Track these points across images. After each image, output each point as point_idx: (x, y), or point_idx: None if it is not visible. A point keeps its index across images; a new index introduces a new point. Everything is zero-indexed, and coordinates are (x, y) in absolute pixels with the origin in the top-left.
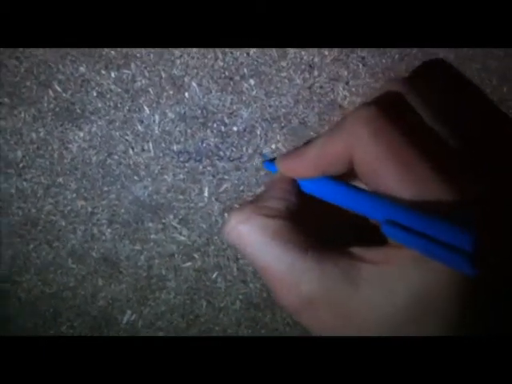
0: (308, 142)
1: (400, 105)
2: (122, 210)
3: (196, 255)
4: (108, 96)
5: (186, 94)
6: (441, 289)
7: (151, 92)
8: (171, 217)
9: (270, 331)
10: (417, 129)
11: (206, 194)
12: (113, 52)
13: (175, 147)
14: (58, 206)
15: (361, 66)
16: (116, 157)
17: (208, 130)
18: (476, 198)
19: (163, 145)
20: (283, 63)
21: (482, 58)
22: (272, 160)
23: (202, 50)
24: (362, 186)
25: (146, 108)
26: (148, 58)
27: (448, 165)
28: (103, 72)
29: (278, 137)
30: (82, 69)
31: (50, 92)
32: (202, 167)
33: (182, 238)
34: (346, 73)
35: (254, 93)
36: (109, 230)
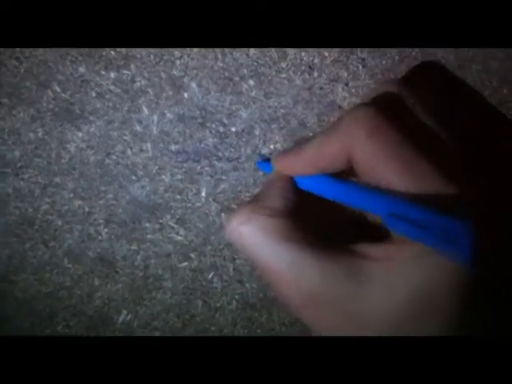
0: (305, 141)
1: (396, 105)
2: (119, 210)
3: (193, 255)
4: (107, 96)
5: (186, 95)
6: (442, 285)
7: (150, 92)
8: (168, 217)
9: (266, 331)
10: (413, 128)
11: (203, 194)
12: (112, 52)
13: (173, 147)
14: (54, 206)
15: (361, 67)
16: (114, 157)
17: (207, 131)
18: (474, 198)
19: (161, 145)
20: (283, 64)
21: (483, 58)
22: (266, 160)
23: (202, 51)
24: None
25: (144, 108)
26: (148, 59)
27: (446, 162)
28: (103, 72)
29: (277, 138)
30: (82, 69)
31: (50, 92)
32: (200, 167)
33: (179, 238)
34: (345, 74)
35: (253, 93)
36: (105, 230)
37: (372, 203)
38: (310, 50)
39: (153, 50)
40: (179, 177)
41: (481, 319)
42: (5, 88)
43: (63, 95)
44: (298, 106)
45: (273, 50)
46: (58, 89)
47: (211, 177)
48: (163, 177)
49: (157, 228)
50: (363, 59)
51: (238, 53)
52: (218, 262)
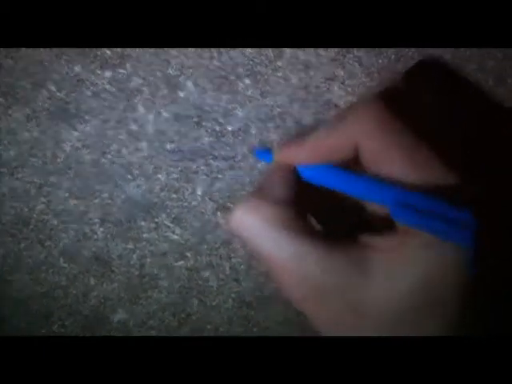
0: (308, 131)
1: (401, 98)
2: (115, 209)
3: (188, 254)
4: (103, 96)
5: (181, 94)
6: (443, 278)
7: (146, 92)
8: (164, 216)
9: (262, 330)
10: (416, 119)
11: (199, 193)
12: (108, 52)
13: (169, 146)
14: (50, 205)
15: (357, 65)
16: (109, 156)
17: (202, 130)
18: (473, 196)
19: (157, 144)
20: (279, 63)
21: (479, 58)
22: (264, 149)
23: (198, 50)
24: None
25: (140, 107)
26: (143, 58)
27: (448, 152)
28: (98, 72)
29: (273, 136)
30: (77, 68)
31: (45, 91)
32: (196, 166)
33: (175, 237)
34: (342, 73)
35: (249, 92)
36: (101, 229)
37: (377, 193)
38: (306, 48)
39: (148, 49)
40: (175, 176)
41: (481, 314)
42: (0, 87)
43: (58, 94)
44: (294, 104)
45: (269, 48)
46: (53, 88)
47: (207, 176)
48: (159, 176)
49: (152, 227)
50: (359, 58)
51: (234, 52)
52: (214, 261)
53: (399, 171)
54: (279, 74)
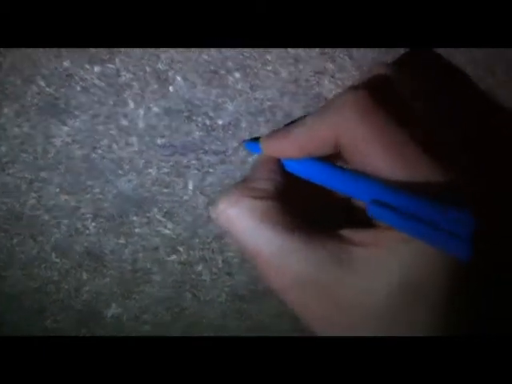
0: (293, 123)
1: (387, 88)
2: (106, 204)
3: (181, 248)
4: (92, 91)
5: (171, 88)
6: (431, 271)
7: (136, 86)
8: (156, 210)
9: (256, 323)
10: (404, 112)
11: (190, 187)
12: None
13: (159, 141)
14: (41, 201)
15: (347, 59)
16: (100, 151)
17: (193, 124)
18: (465, 183)
19: (147, 139)
20: (268, 56)
21: (468, 49)
22: (254, 140)
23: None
24: (347, 167)
25: (130, 102)
26: (132, 53)
27: (436, 147)
28: (87, 66)
29: (263, 130)
30: (66, 63)
31: (34, 87)
32: (187, 161)
33: (167, 232)
34: (331, 66)
35: (239, 86)
36: (93, 224)
37: (357, 189)
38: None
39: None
40: (166, 170)
41: (471, 306)
42: None
43: (48, 90)
44: (284, 98)
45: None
46: (42, 83)
47: (198, 170)
48: (150, 170)
49: (144, 222)
50: (349, 51)
51: None
52: (207, 255)
53: (381, 167)
54: (269, 68)
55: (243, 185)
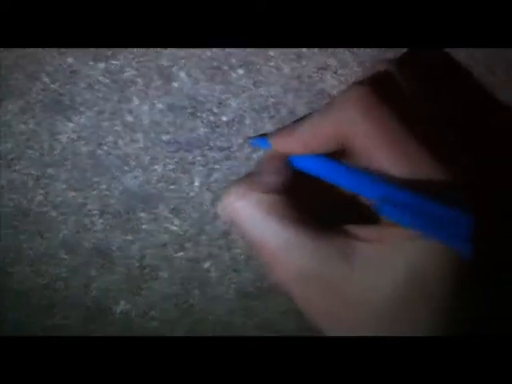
0: (300, 119)
1: (390, 85)
2: (113, 201)
3: (188, 245)
4: (96, 87)
5: (175, 85)
6: (436, 269)
7: (140, 83)
8: (162, 207)
9: (263, 320)
10: (406, 109)
11: (196, 183)
12: None
13: (165, 137)
14: (48, 197)
15: (349, 54)
16: (106, 147)
17: (197, 120)
18: (466, 182)
19: (153, 135)
20: (271, 52)
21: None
22: (261, 136)
23: None
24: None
25: (135, 99)
26: (136, 49)
27: (438, 145)
28: (91, 63)
29: (267, 126)
30: (70, 60)
31: (39, 84)
32: (192, 157)
33: (174, 228)
34: (334, 62)
35: (242, 82)
36: (100, 221)
37: (363, 186)
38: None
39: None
40: (171, 167)
41: (473, 304)
42: None
43: (52, 86)
44: (287, 94)
45: None
46: (47, 80)
47: (203, 166)
48: (156, 167)
49: (151, 218)
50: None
51: None
52: (214, 252)
53: (385, 163)
54: (271, 64)
55: (250, 178)
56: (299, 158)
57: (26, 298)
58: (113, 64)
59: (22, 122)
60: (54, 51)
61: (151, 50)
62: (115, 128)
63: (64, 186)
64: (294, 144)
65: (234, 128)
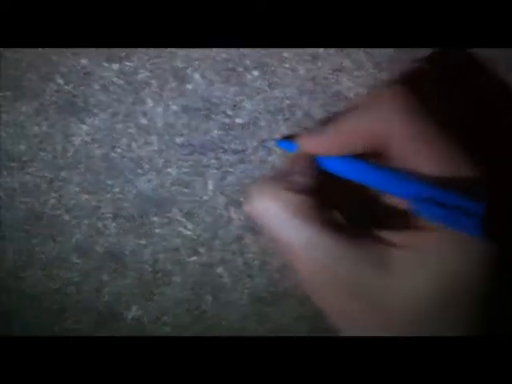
0: (329, 120)
1: (425, 84)
2: (127, 204)
3: (201, 249)
4: (111, 89)
5: (189, 86)
6: (470, 274)
7: (154, 84)
8: (176, 211)
9: (276, 325)
10: (440, 107)
11: (210, 187)
12: None
13: (178, 140)
14: (61, 200)
15: (364, 55)
16: (119, 150)
17: (212, 122)
18: (491, 181)
19: (167, 137)
20: (286, 54)
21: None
22: (287, 138)
23: None
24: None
25: (149, 100)
26: (150, 50)
27: (464, 144)
28: (105, 64)
29: (282, 129)
30: (84, 61)
31: (52, 85)
32: (206, 160)
33: (187, 233)
34: (349, 63)
35: (257, 84)
36: (113, 225)
37: (400, 187)
38: None
39: None
40: (185, 170)
41: (498, 307)
42: (7, 81)
43: (66, 88)
44: (302, 96)
45: None
46: (60, 81)
47: (217, 169)
48: (169, 170)
49: (165, 222)
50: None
51: None
52: (227, 257)
53: (423, 161)
54: (286, 66)
55: (280, 179)
56: (327, 159)
57: (38, 302)
58: (127, 65)
59: (36, 123)
60: (67, 52)
61: (165, 52)
62: (129, 130)
63: (77, 189)
64: (326, 145)
65: (249, 130)
